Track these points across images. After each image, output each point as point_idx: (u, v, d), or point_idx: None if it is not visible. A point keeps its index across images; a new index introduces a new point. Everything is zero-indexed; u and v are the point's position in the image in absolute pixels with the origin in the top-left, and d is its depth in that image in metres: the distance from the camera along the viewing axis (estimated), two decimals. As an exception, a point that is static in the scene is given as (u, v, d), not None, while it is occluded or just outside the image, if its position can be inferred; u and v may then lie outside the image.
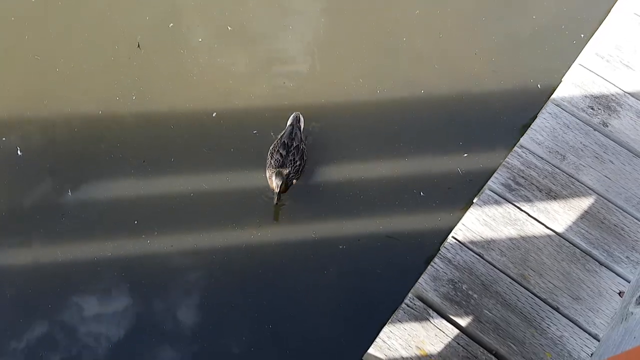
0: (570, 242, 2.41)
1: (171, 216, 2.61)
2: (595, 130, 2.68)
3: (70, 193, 2.63)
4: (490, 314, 2.25)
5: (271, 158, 2.61)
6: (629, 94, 2.77)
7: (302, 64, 2.99)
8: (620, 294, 2.31)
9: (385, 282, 2.53)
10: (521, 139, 2.65)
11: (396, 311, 2.25)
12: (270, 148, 2.66)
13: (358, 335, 2.39)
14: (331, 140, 2.82)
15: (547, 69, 3.03)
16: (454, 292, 2.28)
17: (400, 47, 3.07)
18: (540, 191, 2.51)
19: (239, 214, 2.62)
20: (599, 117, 2.71)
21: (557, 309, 2.28)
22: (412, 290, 2.30)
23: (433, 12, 3.17)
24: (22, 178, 2.65)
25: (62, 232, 2.54)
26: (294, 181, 2.62)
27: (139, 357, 2.35)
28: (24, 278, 2.46)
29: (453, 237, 2.40)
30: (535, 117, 2.75)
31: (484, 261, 2.35)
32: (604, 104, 2.74)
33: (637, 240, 2.42)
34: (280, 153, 2.59)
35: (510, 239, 2.40)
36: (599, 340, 2.22)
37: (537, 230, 2.42)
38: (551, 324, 2.25)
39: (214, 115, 2.84)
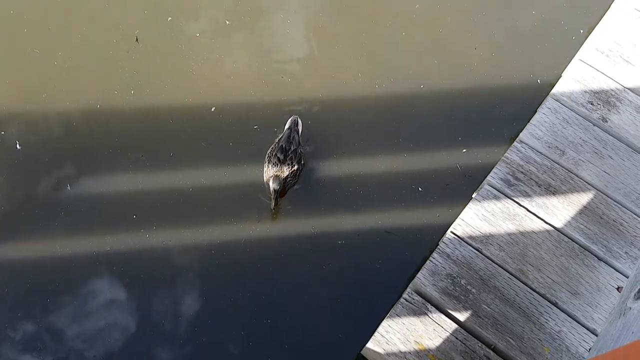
0: (569, 238, 2.41)
1: (170, 211, 2.61)
2: (594, 125, 2.68)
3: (69, 187, 2.63)
4: (488, 309, 2.25)
5: (269, 162, 2.59)
6: (628, 89, 2.77)
7: (301, 58, 2.99)
8: (618, 289, 2.32)
9: (384, 277, 2.53)
10: (520, 134, 2.65)
11: (395, 306, 2.25)
12: (268, 152, 2.64)
13: (357, 330, 2.39)
14: (330, 135, 2.82)
15: (547, 64, 3.02)
16: (452, 287, 2.29)
17: (400, 42, 3.06)
18: (539, 186, 2.51)
19: (238, 208, 2.62)
20: (598, 112, 2.71)
21: (555, 304, 2.28)
22: (410, 285, 2.31)
23: (433, 7, 3.16)
24: (21, 172, 2.64)
25: (61, 227, 2.54)
26: (294, 186, 2.61)
27: (138, 351, 2.35)
28: (22, 272, 2.46)
29: (452, 232, 2.40)
30: (535, 112, 2.75)
31: (483, 256, 2.36)
32: (604, 99, 2.74)
33: (635, 236, 2.42)
34: (278, 157, 2.57)
35: (509, 234, 2.40)
36: (597, 335, 2.23)
37: (536, 225, 2.42)
38: (549, 319, 2.25)
39: (213, 109, 2.83)
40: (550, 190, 2.50)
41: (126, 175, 2.67)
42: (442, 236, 2.46)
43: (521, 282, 2.32)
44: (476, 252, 2.36)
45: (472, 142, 2.83)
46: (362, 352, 2.26)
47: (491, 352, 2.18)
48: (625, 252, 2.39)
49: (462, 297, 2.26)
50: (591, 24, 3.05)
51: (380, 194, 2.71)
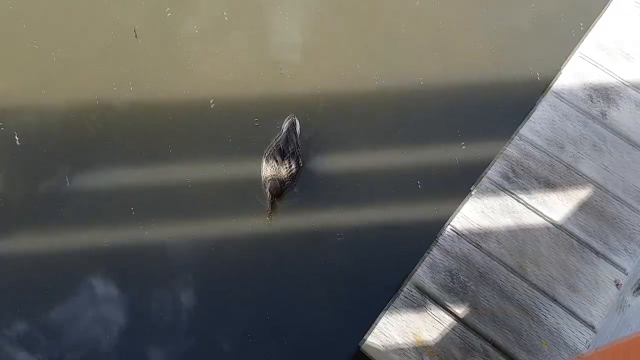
0: (567, 233, 2.41)
1: (169, 206, 2.61)
2: (594, 121, 2.67)
3: (68, 182, 2.62)
4: (487, 304, 2.26)
5: (267, 164, 2.58)
6: (628, 85, 2.77)
7: (300, 53, 2.98)
8: (617, 284, 2.32)
9: (383, 272, 2.54)
10: (520, 129, 2.65)
11: (394, 300, 2.25)
12: (266, 153, 2.62)
13: (356, 324, 2.40)
14: (329, 131, 2.81)
15: (547, 59, 3.01)
16: (451, 282, 2.29)
17: (400, 37, 3.05)
18: (538, 181, 2.51)
19: (237, 203, 2.61)
20: (598, 107, 2.70)
21: (554, 299, 2.29)
22: (409, 280, 2.31)
23: (433, 3, 3.15)
24: (20, 167, 2.64)
25: (59, 221, 2.54)
26: (294, 188, 2.60)
27: (135, 347, 2.35)
28: (21, 267, 2.46)
29: (451, 227, 2.40)
30: (535, 107, 2.75)
31: (482, 251, 2.36)
32: (604, 94, 2.74)
33: (634, 231, 2.42)
34: (276, 159, 2.55)
35: (508, 229, 2.40)
36: (595, 330, 2.23)
37: (535, 220, 2.42)
38: (548, 314, 2.25)
39: (212, 104, 2.83)
40: (550, 185, 2.50)
41: (125, 170, 2.66)
42: (441, 231, 2.46)
43: (520, 277, 2.32)
44: (475, 247, 2.36)
45: (472, 138, 2.83)
46: (361, 346, 2.26)
47: (489, 346, 2.19)
48: (624, 248, 2.39)
49: (461, 292, 2.27)
50: (591, 20, 3.04)
51: (379, 190, 2.70)
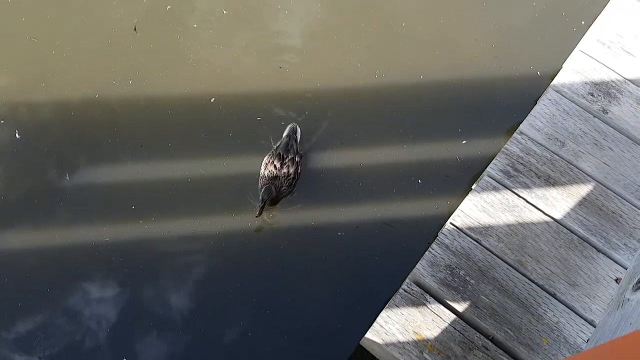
0: (568, 229, 2.41)
1: (169, 202, 2.61)
2: (595, 117, 2.67)
3: (68, 177, 2.62)
4: (487, 300, 2.26)
5: (265, 169, 2.56)
6: (629, 80, 2.76)
7: (300, 48, 2.97)
8: (617, 280, 2.32)
9: (383, 268, 2.54)
10: (520, 125, 2.64)
11: (394, 296, 2.25)
12: (265, 159, 2.60)
13: (356, 321, 2.40)
14: (329, 126, 2.81)
15: (548, 55, 3.01)
16: (451, 278, 2.29)
17: (400, 33, 3.05)
18: (538, 178, 2.50)
19: (237, 200, 2.61)
20: (599, 103, 2.70)
21: (553, 295, 2.29)
22: (409, 276, 2.31)
23: (433, -2, 3.15)
24: (20, 162, 2.64)
25: (60, 216, 2.54)
26: (289, 195, 2.58)
27: (136, 342, 2.36)
28: (21, 262, 2.46)
29: (451, 223, 2.40)
30: (535, 103, 2.74)
31: (482, 247, 2.36)
32: (604, 90, 2.73)
33: (634, 228, 2.42)
34: (275, 165, 2.53)
35: (508, 226, 2.40)
36: (595, 327, 2.23)
37: (535, 216, 2.42)
38: (548, 310, 2.25)
39: (212, 100, 2.82)
40: (550, 181, 2.50)
41: (125, 165, 2.66)
42: (441, 227, 2.46)
43: (520, 273, 2.32)
44: (475, 243, 2.36)
45: (472, 134, 2.83)
46: (360, 342, 2.27)
47: (489, 342, 2.19)
48: (624, 244, 2.39)
49: (461, 288, 2.27)
50: (592, 15, 3.03)
51: (380, 186, 2.70)
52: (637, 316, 1.87)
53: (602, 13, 2.97)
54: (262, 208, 2.47)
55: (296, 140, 2.63)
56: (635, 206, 2.47)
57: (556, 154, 2.57)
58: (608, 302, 2.27)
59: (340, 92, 2.89)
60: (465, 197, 2.49)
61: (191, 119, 2.78)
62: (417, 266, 2.31)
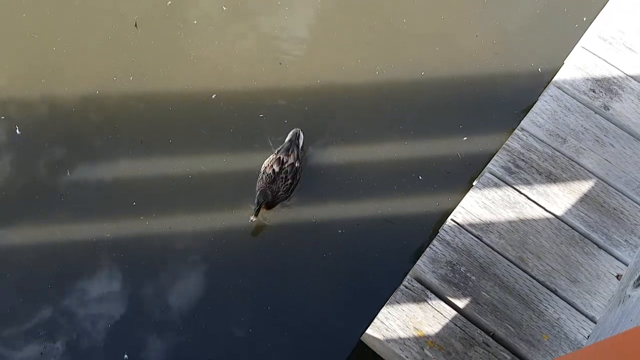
0: (569, 225, 2.41)
1: (169, 198, 2.60)
2: (596, 113, 2.66)
3: (68, 173, 2.62)
4: (488, 296, 2.26)
5: (263, 173, 2.54)
6: (631, 77, 2.75)
7: (300, 44, 2.96)
8: (618, 277, 2.32)
9: (383, 265, 2.53)
10: (522, 121, 2.64)
11: (394, 293, 2.25)
12: (265, 162, 2.58)
13: (356, 317, 2.40)
14: (330, 123, 2.80)
15: (549, 51, 3.00)
16: (452, 274, 2.29)
17: (401, 29, 3.04)
18: (540, 174, 2.50)
19: (238, 196, 2.61)
20: (600, 100, 2.69)
21: (554, 292, 2.29)
22: (410, 272, 2.31)
23: (434, -6, 3.14)
24: (21, 157, 2.64)
25: (60, 213, 2.54)
26: (285, 200, 2.56)
27: (137, 338, 2.36)
28: (22, 258, 2.46)
29: (452, 220, 2.40)
30: (537, 99, 2.74)
31: (483, 244, 2.35)
32: (606, 87, 2.72)
33: (636, 224, 2.42)
34: (274, 169, 2.51)
35: (509, 222, 2.39)
36: (595, 323, 2.23)
37: (536, 213, 2.42)
38: (549, 306, 2.25)
39: (213, 96, 2.82)
40: (551, 178, 2.49)
41: (125, 161, 2.66)
42: (442, 224, 2.46)
43: (521, 269, 2.32)
44: (476, 239, 2.36)
45: (473, 130, 2.82)
46: (361, 338, 2.27)
47: (490, 338, 2.19)
48: (626, 240, 2.39)
49: (462, 284, 2.27)
50: (594, 11, 3.02)
51: (380, 183, 2.70)
52: (638, 313, 1.87)
53: (603, 9, 2.96)
54: (257, 211, 2.44)
55: (298, 146, 2.60)
56: (636, 202, 2.47)
57: (557, 151, 2.56)
58: (609, 299, 2.27)
59: (341, 88, 2.89)
60: (466, 193, 2.48)
61: (192, 115, 2.78)
62: (418, 262, 2.31)
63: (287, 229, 2.58)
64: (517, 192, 2.46)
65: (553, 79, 2.76)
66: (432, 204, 2.67)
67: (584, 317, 2.25)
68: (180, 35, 2.93)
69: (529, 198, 2.45)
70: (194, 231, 2.55)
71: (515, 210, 2.42)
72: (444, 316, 2.21)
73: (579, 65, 2.77)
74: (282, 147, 2.60)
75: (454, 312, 2.22)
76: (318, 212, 2.62)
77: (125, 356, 2.32)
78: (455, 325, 2.19)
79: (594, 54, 2.80)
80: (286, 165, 2.52)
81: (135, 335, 2.36)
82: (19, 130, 2.69)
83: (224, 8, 3.02)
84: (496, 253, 2.34)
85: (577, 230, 2.40)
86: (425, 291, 2.25)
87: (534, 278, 2.30)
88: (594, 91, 2.71)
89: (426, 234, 2.57)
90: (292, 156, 2.55)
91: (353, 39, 2.99)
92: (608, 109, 2.67)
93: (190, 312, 2.41)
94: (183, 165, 2.67)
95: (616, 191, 2.49)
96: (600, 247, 2.38)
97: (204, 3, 3.03)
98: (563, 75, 2.75)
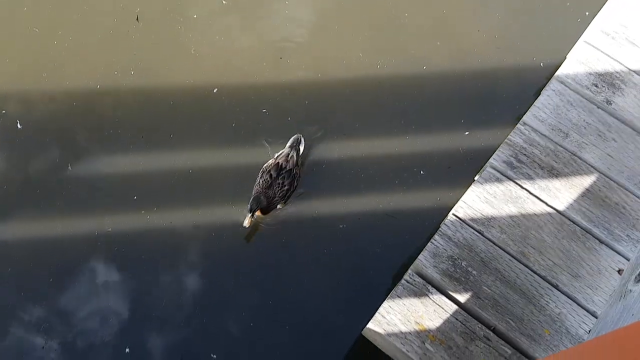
0: (570, 220, 2.41)
1: (170, 192, 2.60)
2: (598, 108, 2.65)
3: (70, 167, 2.62)
4: (489, 291, 2.25)
5: (260, 178, 2.52)
6: (634, 71, 2.74)
7: (301, 38, 2.95)
8: (619, 271, 2.31)
9: (385, 260, 2.54)
10: (524, 116, 2.63)
11: (396, 287, 2.25)
12: (264, 166, 2.56)
13: (358, 311, 2.40)
14: (331, 117, 2.80)
15: (551, 45, 2.99)
16: (453, 269, 2.28)
17: (402, 23, 3.03)
18: (542, 169, 2.49)
19: (238, 191, 2.61)
20: (603, 94, 2.68)
21: (556, 287, 2.28)
22: (411, 267, 2.30)
23: (436, -12, 3.12)
24: (22, 151, 2.64)
25: (62, 207, 2.54)
26: (278, 205, 2.54)
27: (137, 332, 2.36)
28: (24, 253, 2.46)
29: (453, 214, 2.39)
30: (539, 94, 2.72)
31: (484, 238, 2.35)
32: (609, 81, 2.71)
33: (638, 219, 2.41)
34: (271, 174, 2.49)
35: (511, 217, 2.39)
36: (597, 318, 2.23)
37: (538, 208, 2.41)
38: (550, 301, 2.25)
39: (214, 91, 2.81)
40: (553, 172, 2.49)
41: (126, 156, 2.66)
42: (444, 219, 2.45)
43: (522, 264, 2.31)
44: (478, 234, 2.36)
45: (475, 125, 2.82)
46: (362, 332, 2.27)
47: (491, 333, 2.19)
48: (627, 235, 2.38)
49: (463, 279, 2.26)
50: (596, 6, 3.00)
51: (382, 177, 2.70)
52: (639, 307, 1.86)
53: (606, 3, 2.94)
54: (251, 217, 2.42)
55: (298, 152, 2.58)
56: (638, 197, 2.46)
57: (560, 145, 2.56)
58: (610, 294, 2.27)
59: (342, 82, 2.88)
60: (467, 188, 2.48)
61: (193, 109, 2.77)
62: (419, 257, 2.31)
63: (288, 224, 2.58)
64: (519, 187, 2.46)
65: (556, 74, 2.74)
66: (434, 198, 2.66)
67: (585, 312, 2.24)
68: (180, 30, 2.93)
69: (530, 193, 2.45)
70: (194, 226, 2.55)
71: (517, 205, 2.42)
72: (445, 310, 2.21)
73: (581, 60, 2.76)
74: (281, 153, 2.58)
75: (455, 307, 2.22)
76: (319, 206, 2.62)
77: (127, 350, 2.32)
78: (457, 319, 2.19)
79: (596, 48, 2.79)
80: (284, 172, 2.50)
81: (136, 330, 2.36)
82: (20, 125, 2.69)
83: (224, 2, 3.01)
84: (497, 248, 2.34)
85: (578, 225, 2.40)
86: (427, 285, 2.25)
87: (535, 273, 2.30)
88: (596, 86, 2.70)
89: (427, 229, 2.56)
90: (290, 162, 2.53)
91: (354, 33, 2.98)
92: (611, 104, 2.66)
93: (190, 307, 2.41)
94: (184, 160, 2.67)
95: (618, 186, 2.48)
96: (601, 242, 2.37)
97: (204, -3, 3.02)
98: (566, 69, 2.74)
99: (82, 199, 2.56)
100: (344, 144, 2.75)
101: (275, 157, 2.58)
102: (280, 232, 2.56)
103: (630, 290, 2.05)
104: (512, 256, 2.33)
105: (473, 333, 2.18)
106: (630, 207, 2.44)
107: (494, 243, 2.35)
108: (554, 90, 2.68)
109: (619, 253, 2.35)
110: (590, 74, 2.72)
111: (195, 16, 2.96)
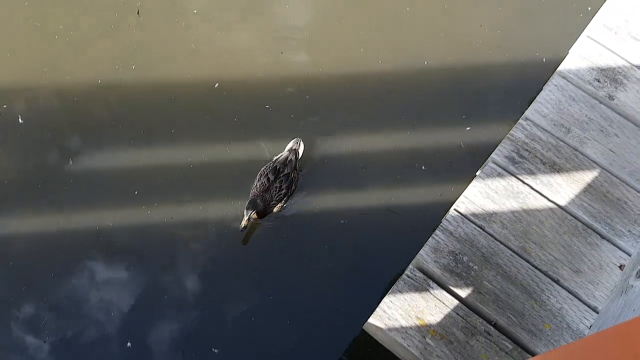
0: (572, 215, 2.40)
1: (171, 187, 2.61)
2: (601, 103, 2.65)
3: (71, 162, 2.62)
4: (490, 286, 2.26)
5: (258, 180, 2.52)
6: (636, 66, 2.73)
7: (302, 34, 2.95)
8: (620, 267, 2.31)
9: (386, 255, 2.54)
10: (526, 111, 2.62)
11: (397, 282, 2.25)
12: (262, 169, 2.55)
13: (359, 305, 2.40)
14: (332, 113, 2.79)
15: (554, 40, 2.98)
16: (454, 264, 2.28)
17: (404, 18, 3.02)
18: (543, 164, 2.49)
19: (239, 186, 2.61)
20: (605, 89, 2.67)
21: (557, 282, 2.28)
22: (412, 262, 2.30)
23: (438, -18, 3.11)
24: (23, 146, 2.64)
25: (63, 202, 2.55)
26: (275, 209, 2.54)
27: (141, 326, 2.37)
28: (25, 247, 2.47)
29: (455, 210, 2.39)
30: (541, 89, 2.72)
31: (485, 233, 2.35)
32: (611, 76, 2.70)
33: (639, 214, 2.41)
34: (269, 177, 2.48)
35: (512, 212, 2.39)
36: (598, 313, 2.23)
37: (540, 203, 2.41)
38: (551, 296, 2.25)
39: (216, 86, 2.81)
40: (555, 168, 2.48)
41: (128, 151, 2.66)
42: (445, 214, 2.45)
43: (523, 259, 2.31)
44: (479, 229, 2.36)
45: (477, 120, 2.81)
46: (363, 327, 2.27)
47: (492, 328, 2.19)
48: (629, 231, 2.38)
49: (464, 274, 2.27)
50: (599, 0, 2.99)
51: (383, 172, 2.69)
52: (641, 302, 1.86)
53: (609, -2, 2.93)
54: (247, 221, 2.42)
55: (297, 156, 2.57)
56: (640, 193, 2.46)
57: (561, 140, 2.55)
58: (611, 289, 2.27)
59: (343, 78, 2.87)
60: (469, 183, 2.48)
61: (194, 104, 2.77)
62: (420, 252, 2.31)
63: (290, 220, 2.58)
64: (521, 182, 2.45)
65: (558, 69, 2.73)
66: (435, 194, 2.66)
67: (586, 307, 2.24)
68: (183, 24, 2.92)
69: (532, 188, 2.44)
70: (195, 219, 2.55)
71: (519, 200, 2.41)
72: (446, 305, 2.21)
73: (583, 55, 2.75)
74: (280, 156, 2.57)
75: (456, 302, 2.22)
76: (321, 202, 2.62)
77: (129, 345, 2.33)
78: (457, 314, 2.20)
79: (599, 43, 2.78)
80: (281, 175, 2.49)
81: (137, 324, 2.37)
82: (22, 120, 2.69)
83: (226, -3, 3.01)
84: (499, 243, 2.34)
85: (580, 221, 2.40)
86: (428, 280, 2.25)
87: (536, 268, 2.30)
88: (598, 81, 2.69)
89: (429, 224, 2.56)
90: (288, 166, 2.52)
91: (355, 29, 2.98)
92: (613, 99, 2.65)
93: (192, 301, 2.41)
94: (185, 155, 2.67)
95: (620, 181, 2.47)
96: (603, 237, 2.37)
97: (206, -8, 3.01)
98: (568, 64, 2.73)
99: (83, 194, 2.56)
100: (346, 140, 2.74)
101: (274, 160, 2.58)
102: (281, 227, 2.57)
103: (632, 286, 2.04)
104: (514, 251, 2.33)
105: (474, 328, 2.18)
106: (632, 203, 2.43)
107: (495, 238, 2.35)
108: (556, 86, 2.67)
109: (620, 248, 2.35)
110: (592, 69, 2.71)
111: (195, 11, 2.95)
